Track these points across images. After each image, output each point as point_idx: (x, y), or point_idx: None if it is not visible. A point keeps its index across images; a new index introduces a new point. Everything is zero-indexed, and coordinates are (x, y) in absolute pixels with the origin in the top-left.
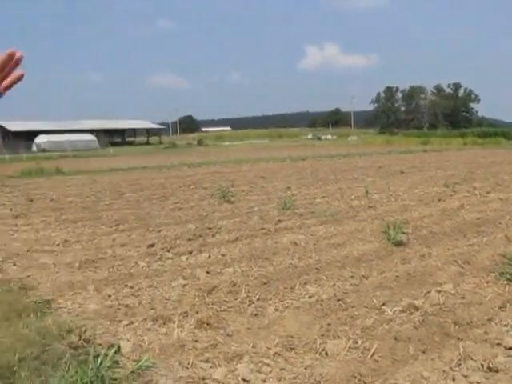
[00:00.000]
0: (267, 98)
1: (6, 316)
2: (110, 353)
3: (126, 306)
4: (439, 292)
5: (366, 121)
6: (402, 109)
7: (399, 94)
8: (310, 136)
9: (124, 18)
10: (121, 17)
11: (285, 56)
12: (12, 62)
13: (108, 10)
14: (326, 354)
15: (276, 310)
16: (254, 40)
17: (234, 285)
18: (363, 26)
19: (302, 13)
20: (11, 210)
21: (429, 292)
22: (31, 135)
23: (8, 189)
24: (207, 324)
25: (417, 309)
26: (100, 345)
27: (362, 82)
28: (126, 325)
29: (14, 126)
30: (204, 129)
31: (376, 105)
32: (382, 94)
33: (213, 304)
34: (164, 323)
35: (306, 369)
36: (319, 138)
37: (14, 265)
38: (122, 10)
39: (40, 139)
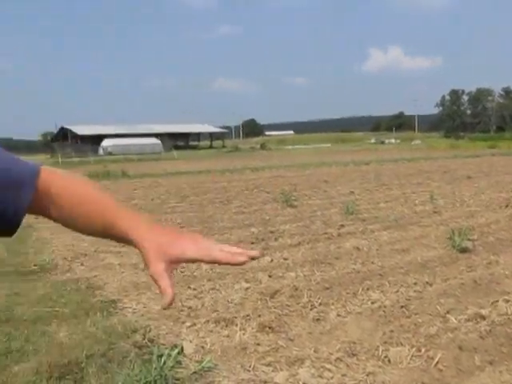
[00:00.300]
0: (330, 102)
1: (74, 314)
2: (174, 353)
3: (189, 307)
4: (507, 301)
5: (430, 124)
6: (468, 112)
7: (465, 97)
8: (373, 140)
9: (189, 23)
10: (186, 21)
11: (348, 59)
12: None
13: (173, 14)
14: (389, 361)
15: (338, 315)
16: (317, 43)
17: (296, 289)
18: (428, 27)
19: (364, 15)
20: None
21: (496, 301)
22: (98, 139)
23: None
24: (269, 328)
25: (483, 318)
26: (163, 345)
27: (427, 85)
28: (189, 326)
29: (81, 130)
30: (267, 132)
31: (441, 108)
32: (447, 97)
33: (275, 308)
34: (226, 325)
35: (367, 375)
36: (382, 142)
37: (82, 265)
38: (187, 14)
39: (106, 143)
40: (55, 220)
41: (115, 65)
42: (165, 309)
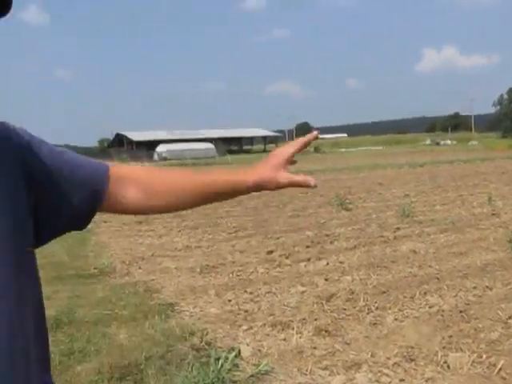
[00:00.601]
0: (383, 103)
1: (133, 316)
2: (231, 356)
3: (246, 311)
4: None
5: (487, 124)
6: None
7: None
8: (428, 141)
9: (240, 28)
10: (237, 26)
11: (401, 59)
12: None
13: (225, 20)
14: (448, 367)
15: (395, 319)
16: (369, 44)
17: (353, 293)
18: (483, 24)
19: (417, 14)
20: (135, 216)
21: None
22: (153, 144)
23: None
24: (325, 331)
25: None
26: (221, 348)
27: (483, 84)
28: (246, 329)
29: (136, 136)
30: (320, 136)
31: (498, 107)
32: (505, 96)
33: (331, 311)
34: (283, 329)
35: (426, 381)
36: (438, 144)
37: (140, 268)
38: (238, 19)
39: (161, 148)
40: (128, 209)
41: (168, 71)
42: (315, 186)
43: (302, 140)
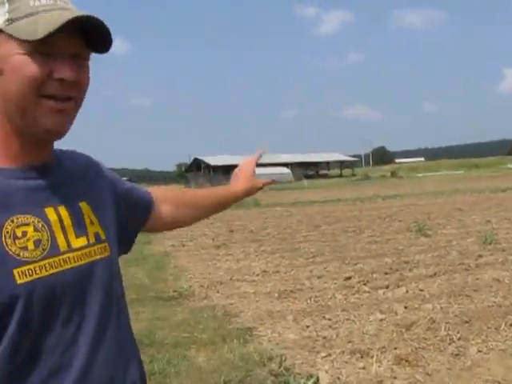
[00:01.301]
0: (461, 127)
1: (211, 340)
2: (309, 383)
3: (324, 337)
4: None
5: None
6: None
7: None
8: (510, 165)
9: (315, 52)
10: (311, 51)
11: (481, 81)
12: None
13: (298, 45)
14: None
15: (479, 351)
16: (446, 67)
17: (433, 321)
18: None
19: (497, 34)
20: (213, 240)
21: None
22: (229, 169)
23: (210, 220)
24: (406, 361)
25: None
26: (299, 374)
27: None
28: (324, 356)
29: (213, 160)
30: (397, 160)
31: None
32: None
33: (411, 340)
34: (362, 357)
35: None
36: None
37: (218, 292)
38: (312, 44)
39: None
40: (164, 224)
41: (243, 98)
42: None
43: (255, 157)
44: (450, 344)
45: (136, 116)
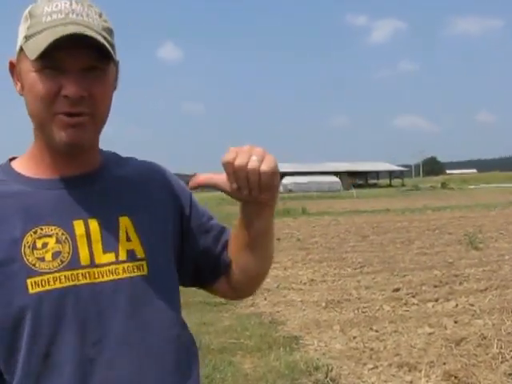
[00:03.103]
0: None
1: (258, 347)
2: None
3: (371, 349)
4: None
5: None
6: None
7: None
8: None
9: (366, 62)
10: (362, 61)
11: None
12: None
13: (349, 55)
14: None
15: None
16: (503, 76)
17: (485, 338)
18: None
19: None
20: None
21: None
22: (280, 176)
23: None
24: (455, 377)
25: None
26: None
27: None
28: (371, 368)
29: None
30: (448, 171)
31: None
32: None
33: (461, 356)
34: (409, 371)
35: None
36: None
37: (265, 300)
38: (364, 54)
39: (287, 180)
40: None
41: (293, 107)
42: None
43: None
44: (502, 362)
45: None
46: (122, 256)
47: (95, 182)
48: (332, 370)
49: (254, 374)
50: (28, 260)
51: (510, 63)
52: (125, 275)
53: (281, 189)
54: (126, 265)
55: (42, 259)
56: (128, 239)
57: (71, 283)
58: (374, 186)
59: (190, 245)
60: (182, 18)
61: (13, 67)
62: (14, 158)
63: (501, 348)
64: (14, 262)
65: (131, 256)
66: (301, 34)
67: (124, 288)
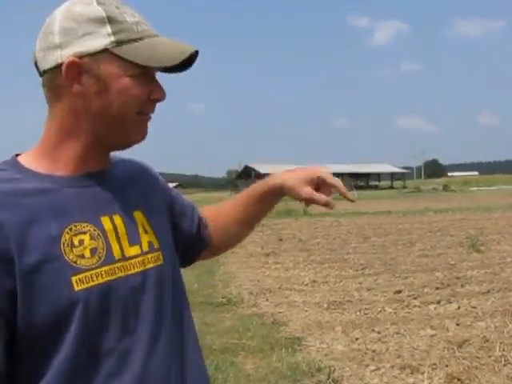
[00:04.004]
0: None
1: (260, 348)
2: None
3: (373, 350)
4: None
5: None
6: None
7: None
8: None
9: (368, 63)
10: (364, 62)
11: None
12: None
13: (351, 56)
14: None
15: None
16: (505, 78)
17: (487, 340)
18: None
19: None
20: (262, 248)
21: None
22: None
23: (259, 228)
24: (458, 379)
25: None
26: None
27: None
28: (373, 370)
29: (264, 168)
30: (450, 173)
31: None
32: None
33: (463, 358)
34: (412, 373)
35: None
36: None
37: (267, 300)
38: (365, 55)
39: None
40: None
41: (295, 108)
42: (329, 206)
43: (339, 185)
44: (505, 365)
45: (188, 121)
46: (145, 248)
47: (110, 179)
48: (334, 371)
49: (256, 375)
50: (69, 258)
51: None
52: (150, 265)
53: None
54: (149, 255)
55: (82, 256)
56: (145, 232)
57: (111, 277)
58: (376, 187)
59: (179, 231)
60: (182, 18)
61: (73, 66)
62: (17, 155)
63: (503, 351)
64: (56, 261)
65: (151, 247)
66: (302, 34)
67: (151, 278)
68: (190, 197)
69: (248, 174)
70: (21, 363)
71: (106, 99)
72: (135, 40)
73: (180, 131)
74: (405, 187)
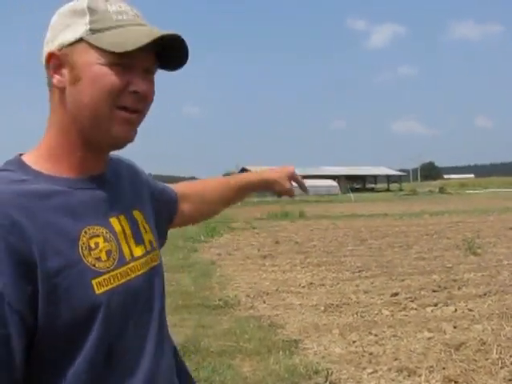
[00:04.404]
0: None
1: (257, 350)
2: None
3: (371, 353)
4: None
5: None
6: None
7: None
8: None
9: (364, 66)
10: (361, 64)
11: None
12: None
13: (348, 59)
14: None
15: None
16: (502, 82)
17: (484, 343)
18: None
19: None
20: (259, 250)
21: None
22: None
23: (256, 230)
24: (455, 382)
25: None
26: None
27: None
28: (371, 373)
29: None
30: (446, 176)
31: None
32: None
33: (460, 361)
34: (409, 375)
35: None
36: None
37: (264, 302)
38: (362, 58)
39: None
40: (192, 217)
41: (292, 110)
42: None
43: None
44: (502, 368)
45: (185, 124)
46: (148, 247)
47: (111, 181)
48: (332, 373)
49: (254, 378)
50: (88, 261)
51: (508, 69)
52: (153, 264)
53: None
54: (151, 255)
55: (99, 259)
56: (145, 231)
57: (125, 279)
58: (372, 190)
59: (161, 214)
60: (183, 19)
61: (53, 58)
62: (21, 155)
63: (500, 353)
64: (78, 265)
65: (152, 246)
66: (300, 36)
67: (155, 276)
68: None
69: None
70: (38, 367)
71: (79, 89)
72: (109, 28)
73: (177, 132)
74: (401, 190)
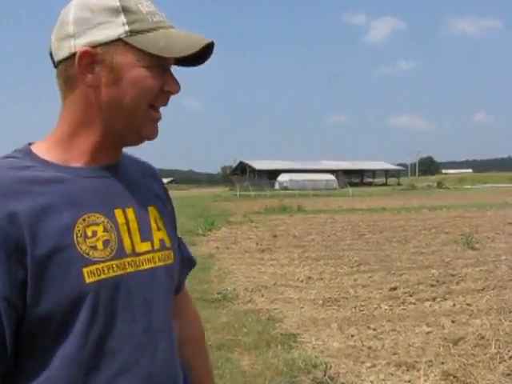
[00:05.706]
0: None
1: (256, 344)
2: None
3: (369, 347)
4: None
5: None
6: None
7: None
8: None
9: (363, 60)
10: (360, 59)
11: None
12: None
13: (347, 53)
14: None
15: None
16: (501, 77)
17: (482, 338)
18: None
19: None
20: (257, 244)
21: None
22: (274, 174)
23: (254, 224)
24: (454, 377)
25: None
26: None
27: None
28: (369, 367)
29: (259, 164)
30: (444, 171)
31: None
32: None
33: (459, 356)
34: (407, 370)
35: None
36: None
37: (262, 296)
38: (361, 52)
39: (283, 177)
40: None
41: (291, 105)
42: None
43: None
44: (500, 362)
45: (183, 118)
46: (156, 245)
47: (123, 173)
48: (330, 368)
49: (252, 371)
50: (81, 248)
51: (508, 64)
52: (160, 263)
53: (276, 185)
54: (160, 253)
55: (95, 248)
56: (158, 228)
57: (122, 272)
58: (370, 184)
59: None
60: (183, 19)
61: (86, 56)
62: (30, 144)
63: (499, 348)
64: (67, 250)
65: (162, 245)
66: (300, 30)
67: (160, 276)
68: (183, 193)
69: (243, 170)
70: (26, 353)
71: (119, 90)
72: (149, 30)
73: (176, 127)
74: (399, 184)
